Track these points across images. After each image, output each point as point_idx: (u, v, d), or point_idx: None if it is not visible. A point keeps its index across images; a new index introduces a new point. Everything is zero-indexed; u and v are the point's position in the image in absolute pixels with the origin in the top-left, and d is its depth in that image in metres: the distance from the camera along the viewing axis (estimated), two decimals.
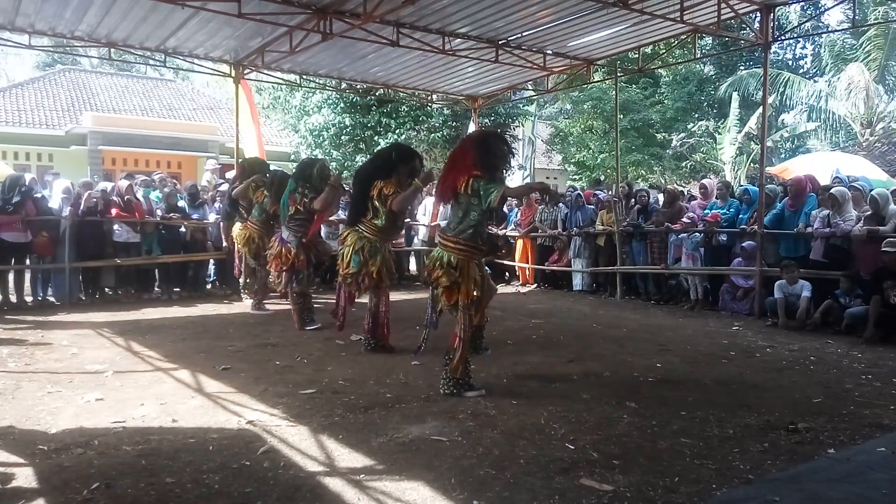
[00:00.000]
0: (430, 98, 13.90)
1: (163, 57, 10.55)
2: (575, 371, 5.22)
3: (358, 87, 14.09)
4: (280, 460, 3.30)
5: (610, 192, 11.10)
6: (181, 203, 9.83)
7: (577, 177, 25.29)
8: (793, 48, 27.07)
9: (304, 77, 12.28)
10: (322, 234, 10.81)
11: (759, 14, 8.56)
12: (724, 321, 7.79)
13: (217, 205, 9.95)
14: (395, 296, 9.50)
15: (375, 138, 18.06)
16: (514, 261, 11.51)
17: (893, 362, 5.62)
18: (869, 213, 7.13)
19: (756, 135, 19.13)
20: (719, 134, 22.47)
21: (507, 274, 11.92)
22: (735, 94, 20.80)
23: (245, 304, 8.61)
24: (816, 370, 5.36)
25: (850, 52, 20.49)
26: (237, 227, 8.20)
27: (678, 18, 8.11)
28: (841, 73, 19.63)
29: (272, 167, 8.46)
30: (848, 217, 7.23)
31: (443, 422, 3.89)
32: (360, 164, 18.00)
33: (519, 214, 11.53)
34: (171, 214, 9.53)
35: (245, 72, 11.24)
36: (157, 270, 9.70)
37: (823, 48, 21.90)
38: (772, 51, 10.67)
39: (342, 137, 18.23)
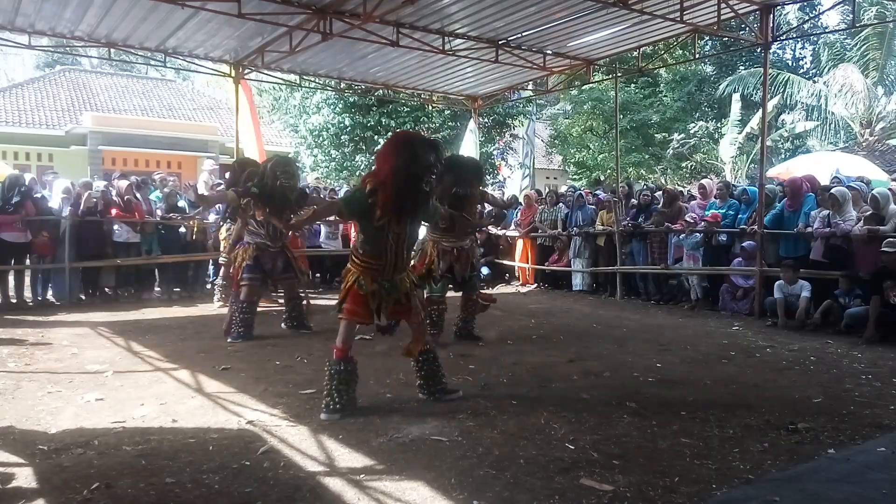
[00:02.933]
0: (430, 98, 13.90)
1: (163, 57, 10.55)
2: (575, 371, 5.22)
3: (358, 87, 14.10)
4: (280, 460, 3.30)
5: (610, 193, 11.11)
6: (181, 203, 9.83)
7: (576, 177, 25.29)
8: (792, 48, 27.08)
9: (304, 77, 12.29)
10: (322, 235, 10.86)
11: (758, 14, 8.56)
12: (724, 321, 7.79)
13: (218, 206, 9.92)
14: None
15: (375, 138, 18.05)
16: (514, 261, 11.51)
17: (893, 362, 5.62)
18: (869, 212, 7.13)
19: (756, 135, 19.12)
20: (719, 134, 22.46)
21: (507, 274, 11.92)
22: (735, 94, 20.80)
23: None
24: (816, 370, 5.36)
25: (849, 52, 20.46)
26: None
27: (678, 18, 8.11)
28: (837, 74, 19.59)
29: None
30: (848, 217, 7.23)
31: (443, 422, 3.88)
32: (361, 164, 18.18)
33: (519, 214, 11.52)
34: (171, 214, 9.54)
35: (245, 72, 11.24)
36: (157, 270, 9.70)
37: (822, 49, 21.87)
38: (771, 51, 10.67)
39: (342, 138, 18.22)
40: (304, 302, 6.76)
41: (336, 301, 4.23)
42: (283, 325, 6.88)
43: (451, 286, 6.30)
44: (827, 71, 20.80)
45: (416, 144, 3.95)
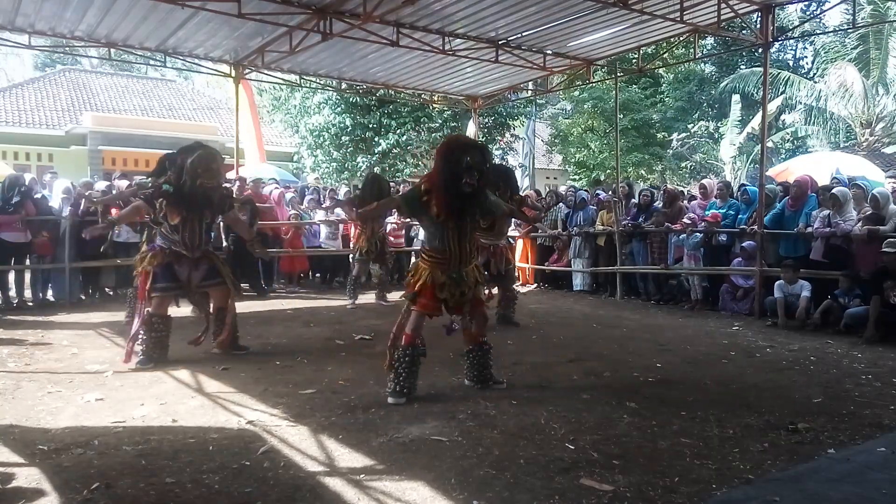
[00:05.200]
0: (430, 98, 13.90)
1: (163, 57, 10.55)
2: (575, 371, 5.22)
3: (358, 87, 14.11)
4: (280, 460, 3.30)
5: (610, 193, 11.10)
6: None
7: (577, 177, 25.29)
8: (793, 48, 27.09)
9: (304, 77, 12.29)
10: (323, 235, 10.86)
11: (759, 14, 8.56)
12: (724, 321, 7.79)
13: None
14: (394, 295, 9.53)
15: (376, 139, 18.07)
16: (514, 261, 11.49)
17: (893, 362, 5.62)
18: (869, 212, 7.12)
19: (756, 135, 19.12)
20: (719, 134, 22.46)
21: None
22: (735, 95, 20.80)
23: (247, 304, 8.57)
24: (816, 370, 5.36)
25: (848, 52, 20.45)
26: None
27: (678, 18, 8.11)
28: (833, 73, 19.55)
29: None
30: (848, 217, 7.23)
31: (443, 422, 3.88)
32: (362, 165, 18.19)
33: None
34: None
35: (245, 72, 11.24)
36: None
37: (818, 50, 21.86)
38: (772, 51, 10.67)
39: (342, 138, 18.24)
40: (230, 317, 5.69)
41: (405, 294, 4.56)
42: (214, 349, 5.74)
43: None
44: (825, 71, 20.79)
45: (453, 148, 4.28)
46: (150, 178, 6.73)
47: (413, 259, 12.09)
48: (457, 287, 4.38)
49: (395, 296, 9.54)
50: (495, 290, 7.27)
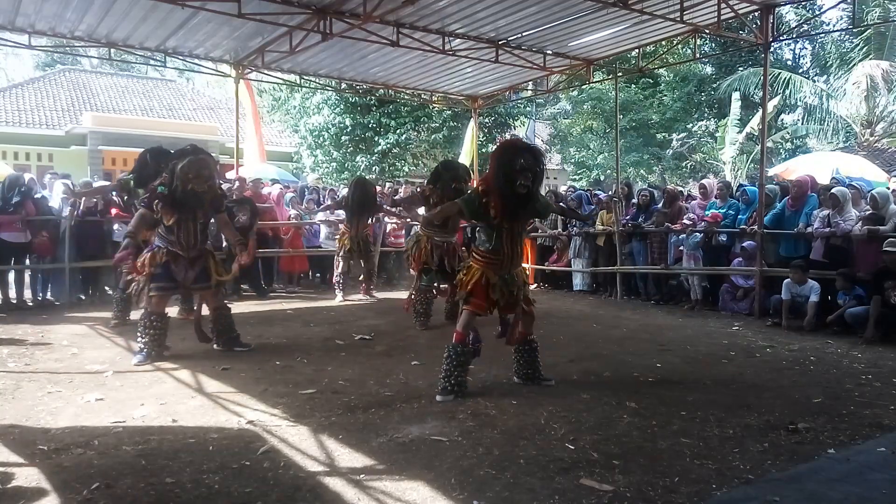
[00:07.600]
0: (430, 98, 13.91)
1: (163, 57, 10.56)
2: (575, 371, 5.22)
3: (358, 87, 14.11)
4: (280, 460, 3.30)
5: (610, 193, 11.10)
6: None
7: (576, 177, 25.30)
8: (792, 48, 27.06)
9: (304, 77, 12.30)
10: (322, 235, 10.86)
11: (758, 14, 8.56)
12: (724, 321, 7.78)
13: None
14: (395, 294, 9.52)
15: (376, 139, 18.08)
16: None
17: (893, 362, 5.62)
18: (869, 212, 7.12)
19: (756, 135, 19.10)
20: (719, 134, 22.45)
21: None
22: (735, 94, 20.80)
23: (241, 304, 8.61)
24: (816, 370, 5.36)
25: (857, 50, 20.44)
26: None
27: (678, 18, 8.11)
28: (849, 71, 19.51)
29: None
30: (848, 217, 7.22)
31: (443, 422, 3.89)
32: (362, 164, 18.19)
33: None
34: None
35: (245, 72, 11.24)
36: None
37: (830, 46, 21.81)
38: (771, 51, 10.67)
39: (342, 138, 18.25)
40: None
41: (457, 294, 4.82)
42: (214, 345, 5.88)
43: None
44: (833, 69, 20.76)
45: (507, 151, 4.41)
46: (131, 174, 7.07)
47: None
48: (507, 287, 4.51)
49: (385, 294, 9.64)
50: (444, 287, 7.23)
